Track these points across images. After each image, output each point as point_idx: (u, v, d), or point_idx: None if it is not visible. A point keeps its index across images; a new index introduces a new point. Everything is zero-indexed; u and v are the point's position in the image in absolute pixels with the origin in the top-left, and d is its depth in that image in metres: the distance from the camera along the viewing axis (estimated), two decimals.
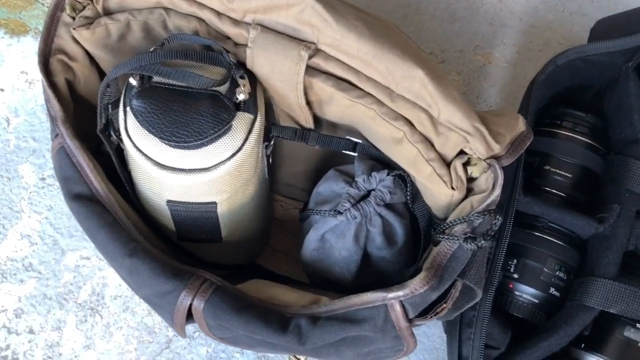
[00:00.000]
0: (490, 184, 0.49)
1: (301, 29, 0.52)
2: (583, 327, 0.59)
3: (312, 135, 0.60)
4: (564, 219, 0.62)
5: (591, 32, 0.73)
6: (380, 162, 0.61)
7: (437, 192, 0.52)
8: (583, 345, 0.62)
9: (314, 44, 0.52)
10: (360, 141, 0.62)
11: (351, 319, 0.50)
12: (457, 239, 0.47)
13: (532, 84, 0.63)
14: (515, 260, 0.62)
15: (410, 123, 0.52)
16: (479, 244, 0.46)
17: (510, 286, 0.62)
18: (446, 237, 0.49)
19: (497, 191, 0.48)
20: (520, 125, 0.52)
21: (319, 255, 0.60)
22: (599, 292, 0.58)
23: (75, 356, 0.74)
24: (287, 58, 0.52)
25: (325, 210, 0.57)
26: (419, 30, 0.88)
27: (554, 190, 0.65)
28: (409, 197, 0.57)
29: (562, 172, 0.65)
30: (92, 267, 0.76)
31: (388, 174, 0.57)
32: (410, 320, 0.50)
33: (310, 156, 0.69)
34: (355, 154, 0.63)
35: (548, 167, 0.65)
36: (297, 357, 0.68)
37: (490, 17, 0.87)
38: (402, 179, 0.57)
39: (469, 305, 0.57)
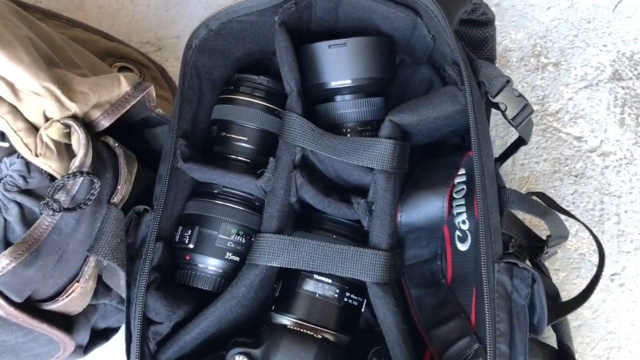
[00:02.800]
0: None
1: None
2: (249, 287, 0.57)
3: None
4: (223, 180, 0.60)
5: None
6: None
7: (35, 162, 0.49)
8: (274, 307, 0.60)
9: None
10: None
11: None
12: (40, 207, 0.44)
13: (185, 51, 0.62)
14: (189, 231, 0.60)
15: None
16: (41, 209, 0.43)
17: (187, 258, 0.60)
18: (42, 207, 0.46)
19: (81, 153, 0.46)
20: (123, 85, 0.50)
21: None
22: (261, 248, 0.57)
23: None
24: None
25: None
26: (135, 21, 0.85)
27: (238, 157, 0.64)
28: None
29: (240, 137, 0.63)
30: None
31: (18, 157, 0.54)
32: (19, 305, 0.47)
33: None
34: None
35: (225, 134, 0.64)
36: None
37: (206, 0, 0.86)
38: None
39: (122, 282, 0.54)
